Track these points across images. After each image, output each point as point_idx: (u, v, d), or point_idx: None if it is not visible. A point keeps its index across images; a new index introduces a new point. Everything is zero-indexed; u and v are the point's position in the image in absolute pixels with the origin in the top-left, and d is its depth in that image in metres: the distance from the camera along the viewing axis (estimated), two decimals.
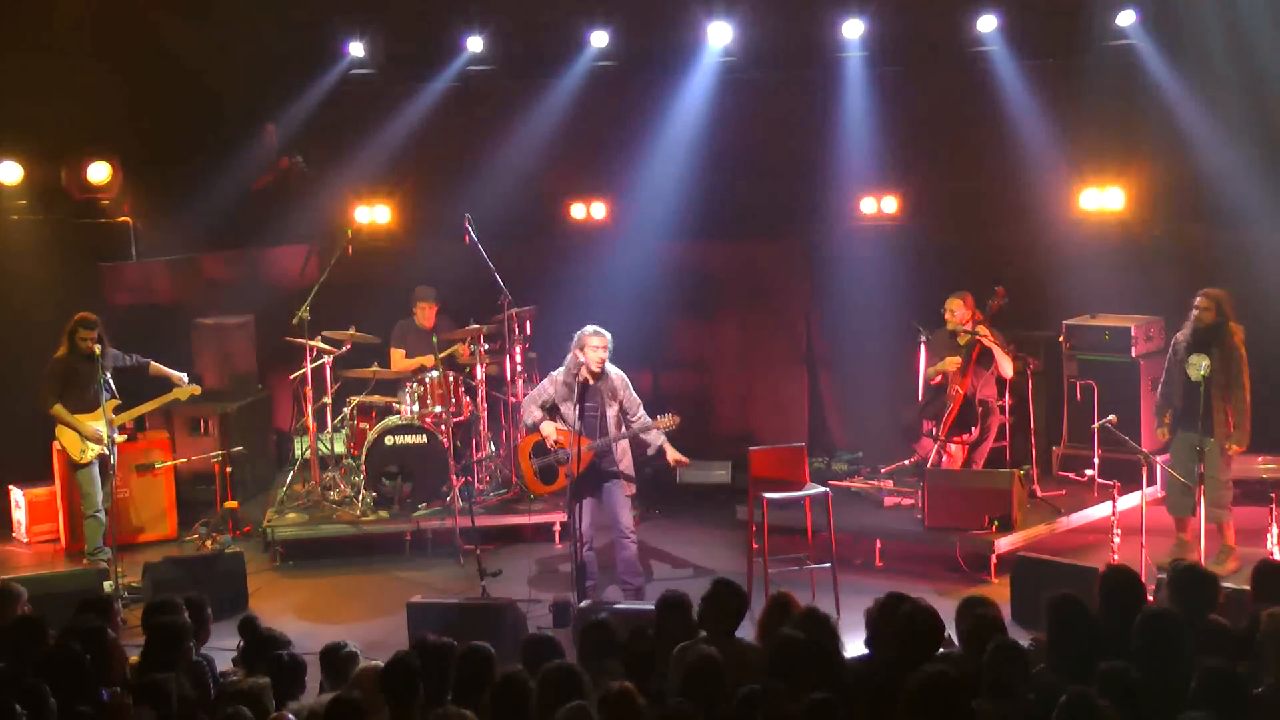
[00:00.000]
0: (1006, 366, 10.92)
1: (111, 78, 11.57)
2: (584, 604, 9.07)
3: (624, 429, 9.69)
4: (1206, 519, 9.54)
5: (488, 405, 11.71)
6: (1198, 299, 10.00)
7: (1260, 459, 11.26)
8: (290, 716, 5.85)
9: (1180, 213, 12.00)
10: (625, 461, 9.80)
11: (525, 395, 11.51)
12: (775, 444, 10.30)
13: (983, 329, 10.83)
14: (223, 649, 7.33)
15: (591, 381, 9.57)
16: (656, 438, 9.77)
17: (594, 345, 9.56)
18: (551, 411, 9.79)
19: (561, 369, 9.78)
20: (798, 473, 10.06)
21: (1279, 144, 11.31)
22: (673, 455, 9.76)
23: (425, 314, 11.83)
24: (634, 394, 9.77)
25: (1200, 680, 5.54)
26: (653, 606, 6.90)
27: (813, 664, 5.96)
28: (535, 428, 9.85)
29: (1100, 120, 12.20)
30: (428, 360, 11.44)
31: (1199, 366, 9.77)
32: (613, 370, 9.72)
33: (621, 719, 5.49)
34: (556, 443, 9.60)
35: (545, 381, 9.92)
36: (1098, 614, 6.53)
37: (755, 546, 9.96)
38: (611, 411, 9.68)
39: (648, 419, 9.71)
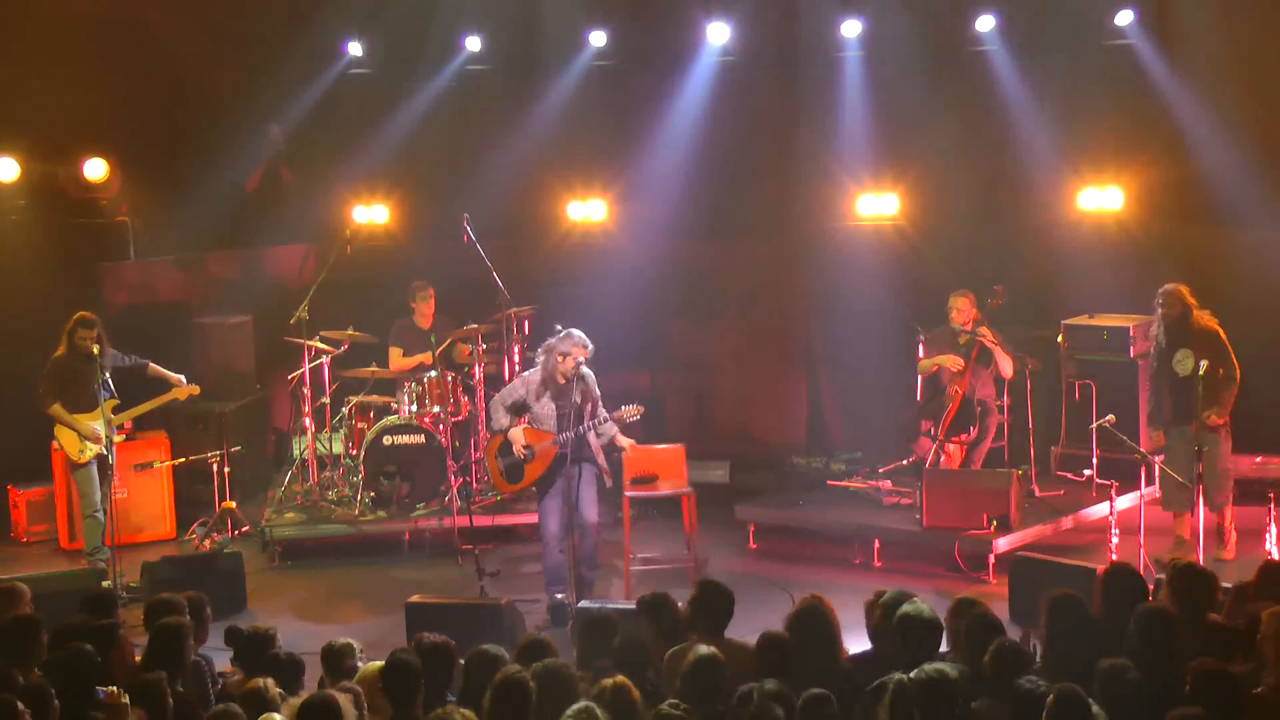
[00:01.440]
0: (1006, 366, 10.91)
1: (109, 76, 11.57)
2: (582, 603, 9.07)
3: (589, 423, 9.60)
4: (1209, 508, 9.55)
5: (485, 405, 11.69)
6: (1157, 298, 10.08)
7: (1260, 459, 11.26)
8: (277, 717, 5.83)
9: (1179, 213, 12.00)
10: (600, 457, 9.75)
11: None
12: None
13: (983, 329, 10.82)
14: (222, 649, 7.33)
15: (562, 382, 9.52)
16: (612, 429, 9.71)
17: (575, 350, 9.50)
18: (518, 411, 9.71)
19: (535, 370, 9.69)
20: (673, 472, 10.27)
21: (1278, 143, 11.30)
22: (621, 441, 9.71)
23: (423, 309, 11.79)
24: (597, 391, 9.70)
25: (1193, 679, 5.54)
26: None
27: (802, 661, 5.96)
28: (503, 432, 9.76)
29: (1099, 120, 12.21)
30: (426, 358, 11.43)
31: (1186, 362, 9.83)
32: (587, 371, 9.61)
33: (620, 714, 5.49)
34: (525, 446, 9.59)
35: (516, 383, 9.82)
36: (1098, 612, 6.54)
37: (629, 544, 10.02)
38: (587, 408, 9.61)
39: (606, 415, 9.63)
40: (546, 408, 9.56)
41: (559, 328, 9.62)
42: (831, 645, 6.26)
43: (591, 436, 9.64)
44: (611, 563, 10.33)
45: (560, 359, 9.49)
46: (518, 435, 9.62)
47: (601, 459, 9.73)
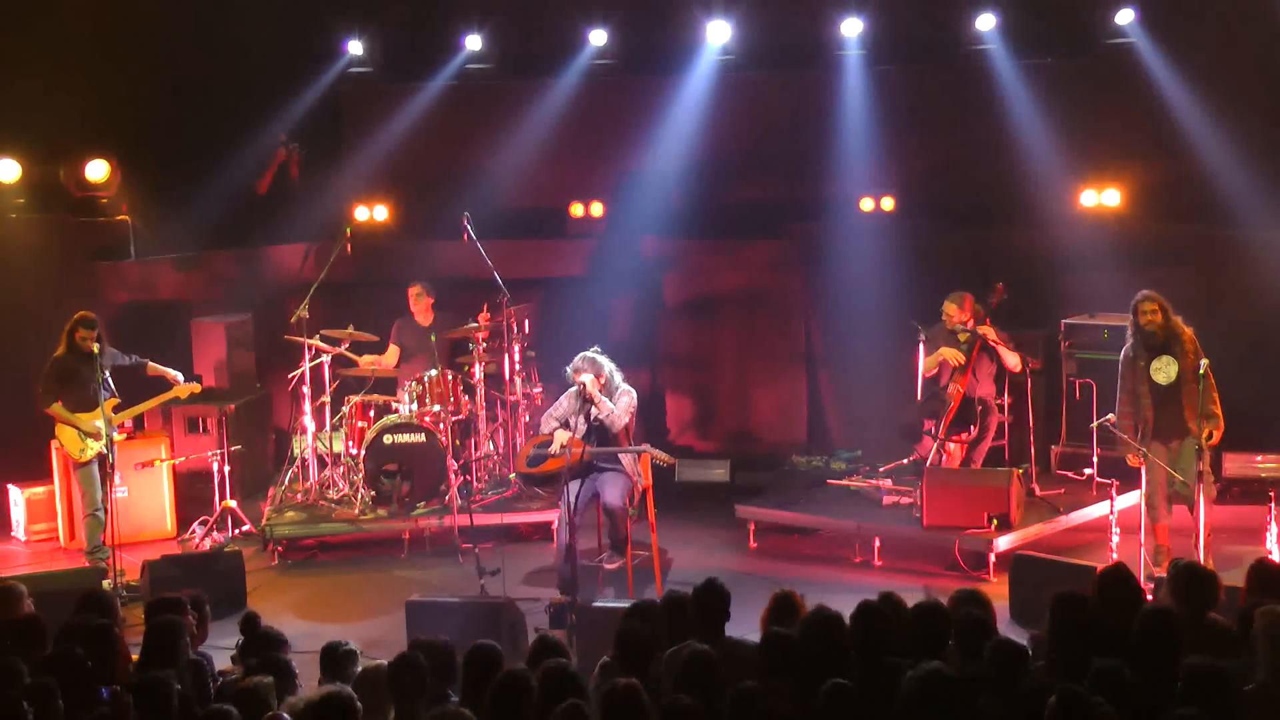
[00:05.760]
0: (1013, 360, 10.87)
1: (110, 75, 11.56)
2: (581, 604, 9.08)
3: (626, 443, 9.96)
4: (1194, 513, 9.54)
5: (486, 404, 11.71)
6: (1143, 304, 9.81)
7: (1259, 458, 11.26)
8: (285, 716, 5.83)
9: (1179, 211, 12.00)
10: (633, 476, 9.98)
11: (523, 393, 11.63)
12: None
13: (984, 329, 10.80)
14: (221, 648, 7.33)
15: (592, 398, 9.88)
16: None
17: (577, 371, 9.94)
18: (566, 424, 10.09)
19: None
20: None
21: (1278, 143, 11.30)
22: (659, 456, 9.82)
23: (421, 305, 11.81)
24: (620, 408, 9.92)
25: (1187, 678, 5.53)
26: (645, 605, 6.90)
27: (808, 661, 5.94)
28: (550, 432, 10.11)
29: (1099, 119, 12.21)
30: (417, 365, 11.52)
31: (1169, 369, 9.73)
32: (623, 387, 10.06)
33: (625, 716, 5.47)
34: (562, 446, 9.73)
35: (562, 396, 10.16)
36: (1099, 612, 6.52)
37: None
38: (612, 422, 10.00)
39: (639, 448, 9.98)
40: (579, 424, 9.94)
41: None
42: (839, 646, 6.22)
43: (626, 459, 9.89)
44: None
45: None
46: (562, 435, 9.93)
47: (634, 477, 9.93)
